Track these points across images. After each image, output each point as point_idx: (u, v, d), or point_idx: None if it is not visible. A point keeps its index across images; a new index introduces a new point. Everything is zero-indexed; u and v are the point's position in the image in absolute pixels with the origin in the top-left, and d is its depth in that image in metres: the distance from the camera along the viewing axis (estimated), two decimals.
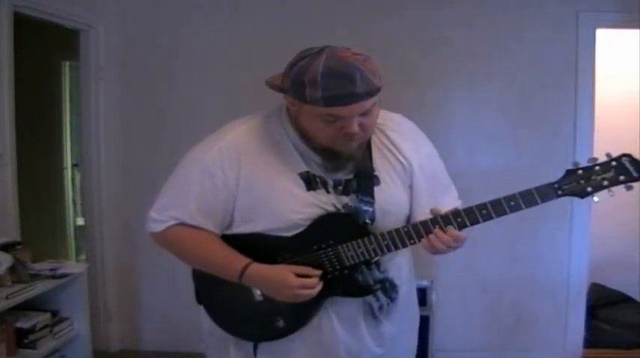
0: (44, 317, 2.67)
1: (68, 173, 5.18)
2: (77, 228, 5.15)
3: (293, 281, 1.41)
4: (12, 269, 2.50)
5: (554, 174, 1.39)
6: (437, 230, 1.39)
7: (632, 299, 3.86)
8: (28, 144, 3.49)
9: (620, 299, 3.86)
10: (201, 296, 1.60)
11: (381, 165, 1.50)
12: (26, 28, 3.17)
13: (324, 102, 1.30)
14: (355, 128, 1.34)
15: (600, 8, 3.34)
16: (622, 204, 3.95)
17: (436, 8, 3.44)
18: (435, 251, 1.41)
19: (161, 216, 1.50)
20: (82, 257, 4.64)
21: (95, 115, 3.56)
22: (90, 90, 3.56)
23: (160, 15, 3.57)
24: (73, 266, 2.94)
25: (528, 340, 3.54)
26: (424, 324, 3.26)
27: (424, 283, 3.34)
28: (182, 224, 1.48)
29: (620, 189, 1.35)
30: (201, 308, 1.61)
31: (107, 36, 3.55)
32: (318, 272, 1.43)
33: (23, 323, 2.56)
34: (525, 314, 3.52)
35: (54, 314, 2.76)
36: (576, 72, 3.38)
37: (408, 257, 1.63)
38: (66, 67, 5.00)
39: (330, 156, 1.43)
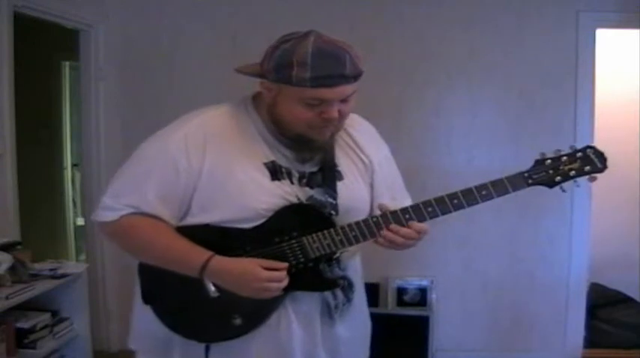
0: (44, 317, 2.67)
1: (68, 173, 5.18)
2: (77, 228, 5.15)
3: (262, 273, 1.33)
4: (12, 269, 2.50)
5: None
6: (393, 225, 1.37)
7: (632, 299, 3.86)
8: (28, 144, 3.49)
9: (620, 299, 3.86)
10: (149, 295, 1.48)
11: (343, 161, 1.48)
12: (26, 28, 3.17)
13: (311, 83, 1.28)
14: (335, 113, 1.33)
15: (600, 8, 3.34)
16: (622, 203, 4.00)
17: (436, 8, 3.44)
18: (393, 245, 1.39)
19: (116, 204, 1.40)
20: (82, 257, 4.64)
21: (95, 115, 3.56)
22: (90, 90, 3.55)
23: (160, 15, 3.57)
24: (73, 266, 2.94)
25: (528, 340, 3.54)
26: (424, 324, 3.29)
27: (424, 283, 3.35)
28: (138, 213, 1.39)
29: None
30: (142, 309, 1.49)
31: (107, 36, 3.55)
32: (285, 264, 1.37)
33: (23, 323, 2.56)
34: (525, 314, 3.52)
35: (54, 314, 2.76)
36: (576, 72, 3.38)
37: (359, 261, 1.60)
38: (66, 67, 5.01)
39: (302, 145, 1.40)
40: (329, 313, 1.49)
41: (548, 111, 3.41)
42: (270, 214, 1.39)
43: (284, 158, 1.42)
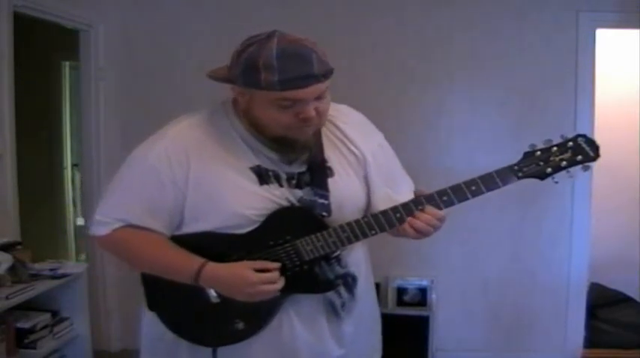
0: (44, 317, 2.67)
1: (68, 173, 5.17)
2: (77, 228, 5.15)
3: (252, 277, 1.33)
4: (12, 269, 2.50)
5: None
6: (417, 212, 1.36)
7: (632, 299, 3.86)
8: (28, 144, 3.49)
9: (620, 299, 3.86)
10: (153, 302, 1.50)
11: (333, 156, 1.45)
12: (26, 28, 3.17)
13: (281, 86, 1.25)
14: (312, 112, 1.30)
15: (600, 8, 3.34)
16: (622, 203, 4.00)
17: (436, 8, 3.44)
18: (417, 233, 1.37)
19: (106, 218, 1.42)
20: (82, 257, 4.64)
21: (95, 115, 3.56)
22: (90, 90, 3.55)
23: (160, 15, 3.58)
24: (73, 266, 2.93)
25: (528, 340, 3.54)
26: (424, 324, 3.29)
27: (424, 283, 3.35)
28: (129, 226, 1.41)
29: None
30: (150, 313, 1.51)
31: (107, 36, 3.55)
32: (277, 264, 1.36)
33: (23, 323, 2.56)
34: (525, 314, 3.52)
35: (54, 314, 2.76)
36: (576, 72, 3.38)
37: (365, 253, 1.58)
38: (66, 67, 5.00)
39: (285, 147, 1.38)
40: (334, 311, 1.47)
41: (549, 111, 3.41)
42: (262, 219, 1.38)
43: (269, 161, 1.40)
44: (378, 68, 3.35)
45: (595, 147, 1.33)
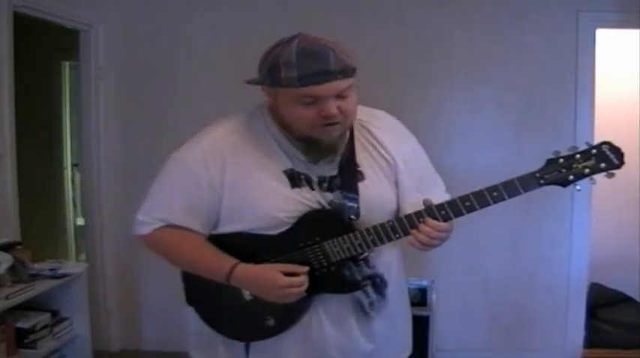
0: (44, 317, 2.67)
1: (68, 173, 5.18)
2: (77, 228, 5.15)
3: (281, 280, 1.40)
4: (12, 269, 2.50)
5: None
6: (420, 224, 1.39)
7: (632, 299, 3.86)
8: (28, 144, 3.49)
9: (620, 299, 3.86)
10: (191, 298, 1.60)
11: (365, 161, 1.50)
12: (26, 28, 3.17)
13: (299, 82, 1.32)
14: (333, 110, 1.35)
15: (600, 8, 3.34)
16: (622, 204, 3.99)
17: (436, 8, 3.44)
18: (421, 245, 1.41)
19: (147, 218, 1.51)
20: (82, 257, 4.64)
21: (95, 115, 3.57)
22: (90, 90, 3.56)
23: (160, 15, 3.58)
24: (73, 266, 2.94)
25: (528, 340, 3.54)
26: (424, 324, 3.29)
27: (424, 283, 3.34)
28: (169, 226, 1.49)
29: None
30: (190, 308, 1.60)
31: (107, 36, 3.55)
32: (305, 269, 1.43)
33: (23, 323, 2.57)
34: (525, 314, 3.53)
35: (54, 314, 2.76)
36: (576, 72, 3.38)
37: (397, 256, 1.62)
38: (66, 67, 5.00)
39: (311, 147, 1.42)
40: (363, 310, 1.52)
41: (549, 111, 3.41)
42: (293, 221, 1.44)
43: (301, 164, 1.45)
44: (378, 68, 3.35)
45: (620, 155, 1.33)
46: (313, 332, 1.49)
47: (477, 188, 1.42)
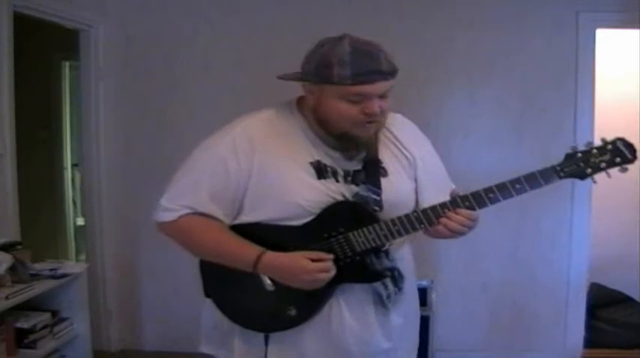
0: (44, 317, 2.67)
1: (68, 173, 5.18)
2: (77, 228, 5.16)
3: (310, 265, 1.43)
4: (12, 269, 2.50)
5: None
6: (448, 212, 1.45)
7: (632, 299, 3.86)
8: (28, 144, 3.49)
9: (620, 299, 3.86)
10: (210, 289, 1.61)
11: (387, 157, 1.56)
12: (26, 28, 3.17)
13: (352, 80, 1.37)
14: (376, 108, 1.42)
15: (600, 8, 3.34)
16: (622, 203, 3.99)
17: (436, 8, 3.44)
18: (450, 233, 1.47)
19: (172, 205, 1.51)
20: (82, 257, 4.65)
21: (95, 115, 3.56)
22: (90, 90, 3.56)
23: (161, 15, 3.57)
24: (73, 266, 2.94)
25: (528, 340, 3.54)
26: (424, 324, 3.27)
27: (424, 283, 3.34)
28: (194, 213, 1.50)
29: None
30: (207, 303, 1.61)
31: (107, 36, 3.55)
32: (331, 256, 1.46)
33: (23, 323, 2.57)
34: (525, 314, 3.52)
35: (54, 314, 2.76)
36: (576, 72, 3.38)
37: (409, 252, 1.68)
38: (66, 67, 5.01)
39: (348, 143, 1.48)
40: (382, 302, 1.55)
41: (549, 111, 3.41)
42: (317, 211, 1.47)
43: (329, 157, 1.50)
44: None
45: (633, 150, 1.41)
46: (333, 323, 1.52)
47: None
